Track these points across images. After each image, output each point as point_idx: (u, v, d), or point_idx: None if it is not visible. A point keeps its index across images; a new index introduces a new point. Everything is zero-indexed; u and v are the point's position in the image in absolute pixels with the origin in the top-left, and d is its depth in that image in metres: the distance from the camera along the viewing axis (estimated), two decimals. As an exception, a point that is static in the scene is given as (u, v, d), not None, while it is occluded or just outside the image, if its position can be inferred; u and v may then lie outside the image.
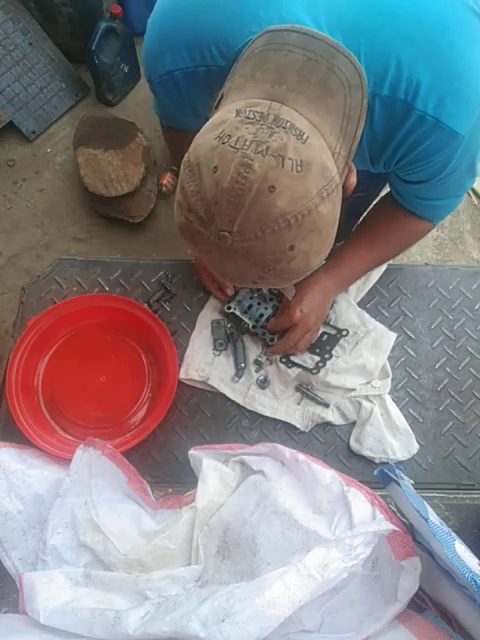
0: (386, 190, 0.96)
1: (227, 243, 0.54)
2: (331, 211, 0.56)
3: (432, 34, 0.62)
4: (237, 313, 1.03)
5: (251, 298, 1.04)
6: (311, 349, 1.02)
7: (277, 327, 0.99)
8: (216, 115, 0.56)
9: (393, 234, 0.94)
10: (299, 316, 0.95)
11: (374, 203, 1.00)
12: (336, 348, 1.02)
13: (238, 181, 0.51)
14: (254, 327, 1.02)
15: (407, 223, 0.92)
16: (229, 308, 1.04)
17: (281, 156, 0.51)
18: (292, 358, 1.01)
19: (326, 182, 0.54)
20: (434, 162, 0.71)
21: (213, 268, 0.61)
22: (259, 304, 1.03)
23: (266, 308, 1.03)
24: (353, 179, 0.62)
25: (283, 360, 1.01)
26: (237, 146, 0.51)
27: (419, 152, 0.69)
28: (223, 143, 0.52)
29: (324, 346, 1.02)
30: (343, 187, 0.60)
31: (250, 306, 1.03)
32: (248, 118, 0.53)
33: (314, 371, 0.99)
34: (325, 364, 1.00)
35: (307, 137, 0.53)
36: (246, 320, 1.02)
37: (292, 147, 0.52)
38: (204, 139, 0.54)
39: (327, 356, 1.01)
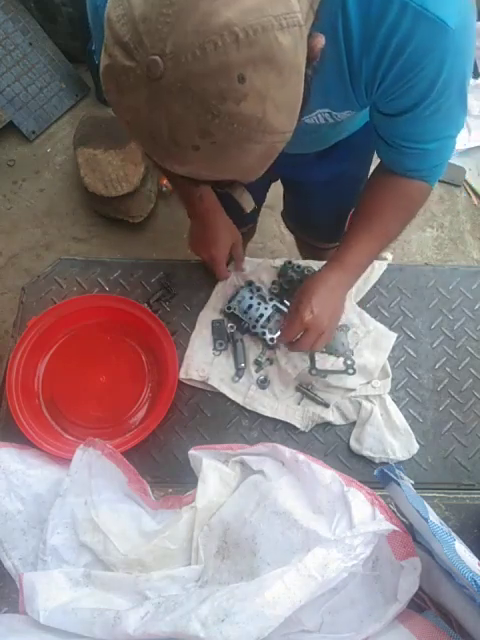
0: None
1: (158, 72, 0.43)
2: (293, 48, 0.45)
3: None
4: (237, 313, 1.03)
5: (251, 298, 1.04)
6: (329, 351, 1.00)
7: (289, 335, 0.92)
8: None
9: (388, 205, 0.87)
10: (310, 318, 0.88)
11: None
12: (346, 343, 1.02)
13: None
14: (254, 327, 1.02)
15: (398, 188, 0.84)
16: (229, 308, 1.04)
17: None
18: (325, 368, 0.98)
19: (285, 10, 0.44)
20: (423, 72, 0.62)
21: (141, 130, 0.49)
22: (259, 304, 1.03)
23: (266, 308, 1.03)
24: (320, 40, 0.52)
25: (314, 372, 0.97)
26: None
27: (406, 59, 0.60)
28: None
29: (338, 345, 1.01)
30: (311, 49, 0.50)
31: (250, 306, 1.03)
32: None
33: (351, 372, 0.98)
34: (353, 361, 0.99)
35: None
36: (246, 320, 1.02)
37: None
38: None
39: (348, 352, 1.00)
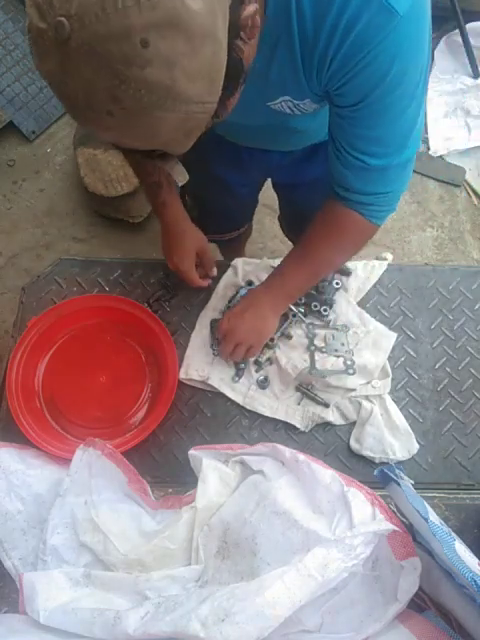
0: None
1: (65, 34, 0.42)
2: (206, 14, 0.44)
3: None
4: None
5: (251, 298, 1.04)
6: (330, 352, 1.00)
7: (217, 335, 1.00)
8: None
9: (321, 235, 0.88)
10: (225, 327, 0.96)
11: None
12: (346, 343, 1.02)
13: None
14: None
15: (333, 218, 0.85)
16: (229, 308, 1.04)
17: None
18: (325, 368, 0.98)
19: None
20: (371, 55, 0.60)
21: (61, 95, 0.48)
22: (259, 304, 1.03)
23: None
24: (250, 8, 0.50)
25: (314, 372, 0.97)
26: None
27: (354, 38, 0.59)
28: None
29: (338, 345, 1.01)
30: (239, 18, 0.49)
31: (250, 306, 1.03)
32: None
33: (351, 372, 0.98)
34: (353, 361, 0.99)
35: None
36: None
37: None
38: None
39: (348, 352, 1.00)
